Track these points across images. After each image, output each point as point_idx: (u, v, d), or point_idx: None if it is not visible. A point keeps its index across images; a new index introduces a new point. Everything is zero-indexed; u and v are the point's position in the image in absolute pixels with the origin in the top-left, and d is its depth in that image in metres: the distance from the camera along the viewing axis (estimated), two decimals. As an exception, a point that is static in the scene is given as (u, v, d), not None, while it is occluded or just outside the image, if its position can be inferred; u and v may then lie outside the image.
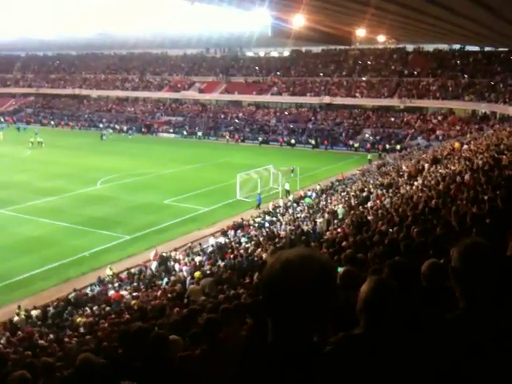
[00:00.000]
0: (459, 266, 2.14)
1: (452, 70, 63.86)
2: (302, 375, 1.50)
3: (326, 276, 1.55)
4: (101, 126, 74.81)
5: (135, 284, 19.82)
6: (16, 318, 16.85)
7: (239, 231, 25.83)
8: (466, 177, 14.71)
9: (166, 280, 19.33)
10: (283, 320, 1.53)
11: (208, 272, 17.62)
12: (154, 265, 22.18)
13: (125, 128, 72.38)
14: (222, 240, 24.62)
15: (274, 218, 27.38)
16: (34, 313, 17.20)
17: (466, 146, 28.74)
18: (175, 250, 24.19)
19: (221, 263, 19.06)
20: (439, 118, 60.07)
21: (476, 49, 62.89)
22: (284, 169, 37.29)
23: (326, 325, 1.62)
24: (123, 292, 18.56)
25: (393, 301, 2.54)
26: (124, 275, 21.60)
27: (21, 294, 20.17)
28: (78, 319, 15.41)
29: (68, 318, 16.33)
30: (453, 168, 19.82)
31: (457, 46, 64.03)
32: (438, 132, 56.29)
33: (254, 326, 5.19)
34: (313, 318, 1.53)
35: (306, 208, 28.36)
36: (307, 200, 30.88)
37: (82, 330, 13.80)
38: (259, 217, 28.48)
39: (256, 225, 26.49)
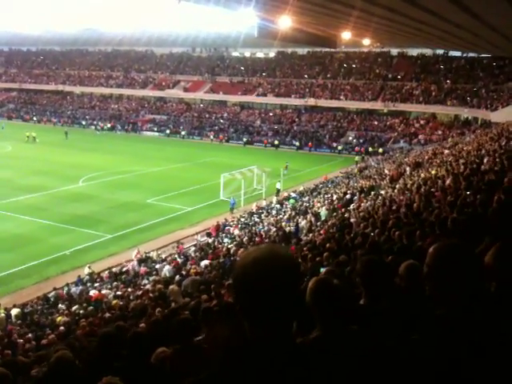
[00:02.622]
0: (433, 265, 2.15)
1: (435, 74, 64.57)
2: (280, 372, 1.51)
3: (294, 270, 1.58)
4: (83, 122, 74.43)
5: (116, 283, 19.70)
6: (-5, 317, 16.62)
7: (225, 230, 25.90)
8: (447, 181, 14.88)
9: (146, 280, 19.25)
10: (258, 318, 1.55)
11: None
12: (135, 264, 22.06)
13: (109, 125, 72.16)
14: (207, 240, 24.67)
15: (258, 219, 27.43)
16: (14, 311, 16.99)
17: (447, 151, 29.07)
18: (158, 249, 24.12)
19: (204, 263, 19.03)
20: (422, 122, 60.71)
21: (459, 54, 63.70)
22: (268, 170, 37.40)
23: (297, 320, 1.64)
24: (104, 291, 18.43)
25: (336, 299, 2.58)
26: (105, 274, 21.45)
27: (0, 291, 19.95)
28: (58, 318, 15.26)
29: (48, 316, 16.16)
30: (434, 172, 20.04)
31: (440, 52, 64.80)
32: (420, 136, 56.88)
33: (237, 326, 5.21)
34: (286, 314, 1.55)
35: (289, 209, 28.46)
36: (291, 201, 31.00)
37: (61, 329, 13.66)
38: (243, 217, 28.52)
39: (239, 225, 26.53)
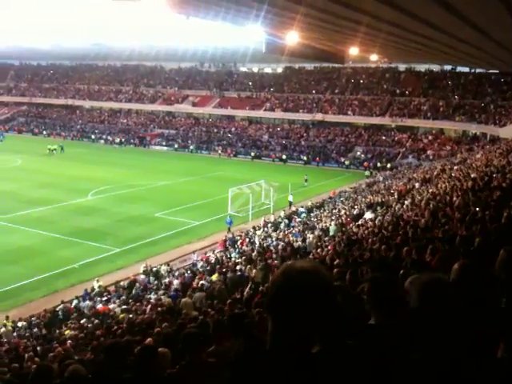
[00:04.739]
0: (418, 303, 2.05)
1: (443, 90, 64.57)
2: (300, 376, 1.57)
3: (332, 288, 1.69)
4: (93, 136, 75.00)
5: (124, 297, 19.69)
6: (2, 330, 16.66)
7: (233, 245, 25.89)
8: (456, 197, 14.85)
9: (154, 294, 19.24)
10: (287, 322, 1.61)
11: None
12: (142, 278, 22.07)
13: (117, 140, 72.73)
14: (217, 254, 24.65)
15: (266, 234, 27.39)
16: (21, 324, 17.02)
17: (456, 167, 29.01)
18: (166, 263, 24.13)
19: (212, 278, 19.02)
20: (430, 137, 60.61)
21: (467, 70, 63.76)
22: (276, 184, 37.44)
23: (325, 332, 1.69)
24: (111, 305, 18.43)
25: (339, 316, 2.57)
26: (113, 288, 21.46)
27: (9, 304, 20.03)
28: (66, 332, 15.28)
29: (56, 330, 16.17)
30: (443, 188, 19.99)
31: (448, 67, 64.90)
32: (428, 152, 56.77)
33: (245, 339, 5.21)
34: (315, 324, 1.62)
35: (297, 224, 28.41)
36: (303, 215, 31.07)
37: (69, 342, 13.66)
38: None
39: (246, 239, 26.51)
